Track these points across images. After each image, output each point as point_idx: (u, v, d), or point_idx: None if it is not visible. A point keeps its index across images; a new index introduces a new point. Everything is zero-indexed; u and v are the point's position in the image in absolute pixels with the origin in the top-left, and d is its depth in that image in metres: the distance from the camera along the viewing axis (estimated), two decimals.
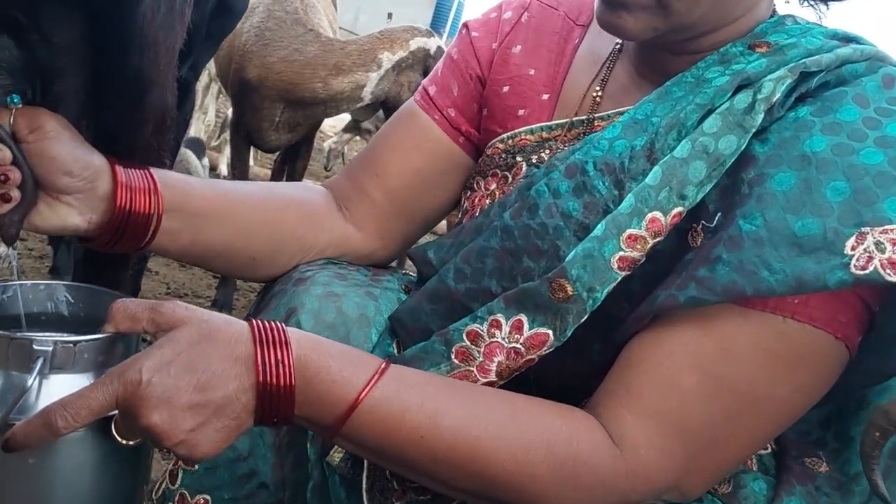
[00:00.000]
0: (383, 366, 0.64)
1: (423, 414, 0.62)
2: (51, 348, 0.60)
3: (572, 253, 0.67)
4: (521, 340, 0.69)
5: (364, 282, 0.83)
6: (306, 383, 0.61)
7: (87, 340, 0.62)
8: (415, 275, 0.93)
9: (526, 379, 0.73)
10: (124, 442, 0.59)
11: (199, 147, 3.64)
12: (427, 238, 1.05)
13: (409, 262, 1.01)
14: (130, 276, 1.12)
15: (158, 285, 2.62)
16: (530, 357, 0.69)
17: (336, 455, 0.71)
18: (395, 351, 0.78)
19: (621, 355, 0.68)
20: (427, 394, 0.64)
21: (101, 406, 0.56)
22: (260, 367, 0.59)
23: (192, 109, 1.29)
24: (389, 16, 17.54)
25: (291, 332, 0.63)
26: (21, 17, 0.64)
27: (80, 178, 0.70)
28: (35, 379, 0.59)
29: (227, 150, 4.56)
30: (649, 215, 0.66)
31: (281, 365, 0.60)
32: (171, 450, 0.58)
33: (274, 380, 0.59)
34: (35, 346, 0.59)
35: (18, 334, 0.63)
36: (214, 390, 0.58)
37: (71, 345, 0.61)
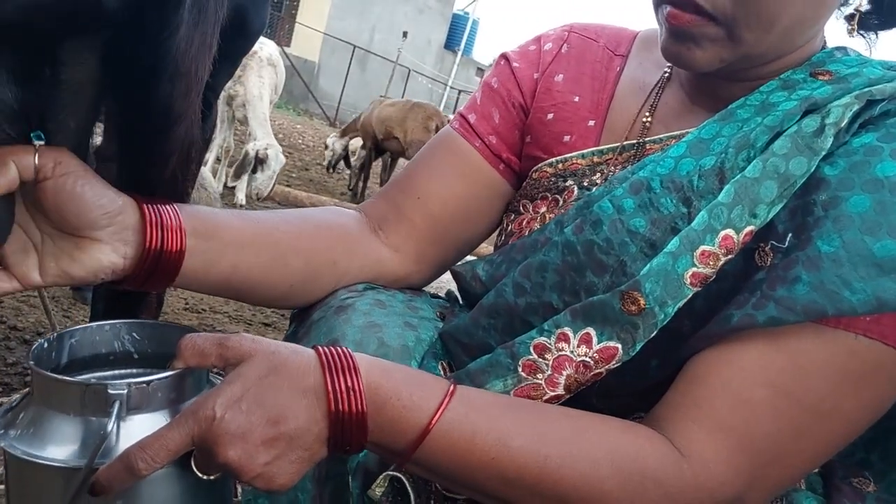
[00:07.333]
0: (451, 388, 0.64)
1: (492, 436, 0.62)
2: (125, 391, 0.59)
3: (646, 267, 0.67)
4: (589, 354, 0.69)
5: (402, 310, 0.82)
6: (378, 409, 0.61)
7: (159, 379, 0.62)
8: (444, 298, 0.94)
9: (587, 396, 0.73)
10: (205, 477, 0.60)
11: None
12: None
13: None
14: (156, 295, 1.14)
15: (177, 300, 2.65)
16: (598, 371, 0.69)
17: (377, 489, 0.70)
18: (442, 373, 0.77)
19: (686, 369, 0.68)
20: (494, 415, 0.64)
21: (178, 445, 0.57)
22: (331, 396, 0.59)
23: (213, 129, 1.33)
24: (405, 34, 17.66)
25: (359, 357, 0.63)
26: (38, 53, 0.62)
27: (106, 211, 0.69)
28: (114, 423, 0.59)
29: (244, 180, 4.73)
30: (722, 233, 0.67)
31: (352, 392, 0.60)
32: (250, 483, 0.59)
33: (345, 407, 0.59)
34: (110, 391, 0.59)
35: (93, 380, 0.62)
36: (286, 423, 0.58)
37: (145, 385, 0.61)
